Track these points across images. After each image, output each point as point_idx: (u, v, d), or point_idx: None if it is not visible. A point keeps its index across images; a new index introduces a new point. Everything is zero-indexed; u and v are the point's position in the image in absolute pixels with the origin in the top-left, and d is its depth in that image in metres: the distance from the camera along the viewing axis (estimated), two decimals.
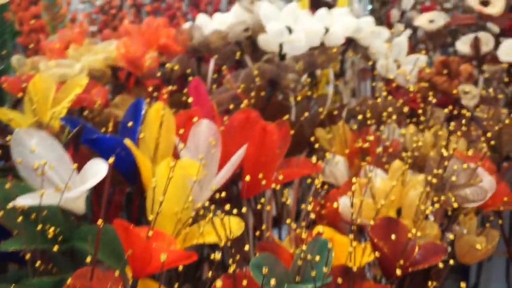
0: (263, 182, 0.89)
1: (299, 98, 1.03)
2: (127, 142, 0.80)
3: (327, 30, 1.03)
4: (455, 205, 0.73)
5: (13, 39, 2.03)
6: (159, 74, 1.06)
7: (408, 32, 1.35)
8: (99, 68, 1.14)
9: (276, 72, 0.95)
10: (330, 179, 0.95)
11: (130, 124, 0.86)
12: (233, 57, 1.11)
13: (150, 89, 1.11)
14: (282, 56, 1.01)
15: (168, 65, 1.11)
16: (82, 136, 0.81)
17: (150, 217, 0.68)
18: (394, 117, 1.00)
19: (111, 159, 0.64)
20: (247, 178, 0.89)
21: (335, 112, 1.02)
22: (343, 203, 0.80)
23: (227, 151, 0.91)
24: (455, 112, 0.99)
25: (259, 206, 0.85)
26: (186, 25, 1.19)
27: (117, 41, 1.14)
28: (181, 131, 0.89)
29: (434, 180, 0.72)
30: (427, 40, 1.42)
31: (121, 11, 1.97)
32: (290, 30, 0.99)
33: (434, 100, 0.97)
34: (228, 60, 1.15)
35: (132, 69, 1.10)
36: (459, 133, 0.89)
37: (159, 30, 1.17)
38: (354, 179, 0.80)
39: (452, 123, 0.92)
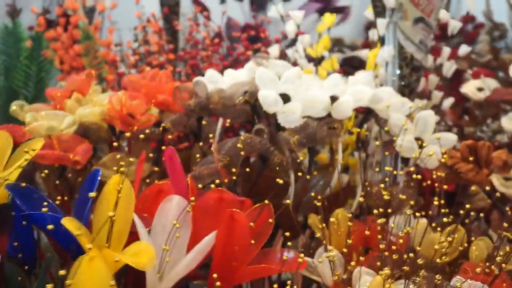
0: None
1: (300, 174, 0.89)
2: (64, 222, 0.69)
3: (335, 100, 0.89)
4: None
5: (51, 77, 2.01)
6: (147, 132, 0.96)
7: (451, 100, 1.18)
8: (93, 122, 1.05)
9: (265, 145, 0.82)
10: (314, 276, 0.80)
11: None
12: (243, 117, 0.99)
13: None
14: (280, 127, 0.88)
15: (163, 124, 1.00)
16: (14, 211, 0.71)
17: None
18: (407, 208, 0.84)
19: None
20: (214, 275, 0.77)
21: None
22: None
23: (199, 235, 0.79)
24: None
25: None
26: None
27: (112, 94, 1.05)
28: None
29: None
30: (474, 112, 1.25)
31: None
32: (287, 99, 0.86)
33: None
34: (238, 119, 1.03)
35: (122, 126, 1.00)
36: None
37: (161, 84, 1.07)
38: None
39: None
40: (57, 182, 1.00)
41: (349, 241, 0.81)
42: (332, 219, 0.82)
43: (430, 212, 0.83)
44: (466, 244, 0.80)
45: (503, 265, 0.73)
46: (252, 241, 0.77)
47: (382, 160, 1.06)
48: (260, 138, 0.82)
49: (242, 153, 0.82)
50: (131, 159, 1.05)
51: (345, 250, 0.82)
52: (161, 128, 0.98)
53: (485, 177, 0.85)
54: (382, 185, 0.82)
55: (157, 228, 0.79)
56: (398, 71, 1.05)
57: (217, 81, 1.07)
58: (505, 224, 0.78)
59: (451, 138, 0.94)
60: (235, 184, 0.85)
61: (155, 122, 1.04)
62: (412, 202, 0.84)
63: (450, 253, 0.78)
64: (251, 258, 0.78)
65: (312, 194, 0.80)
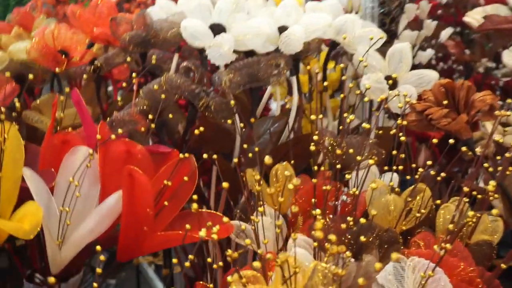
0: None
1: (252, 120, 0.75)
2: None
3: (283, 31, 0.73)
4: None
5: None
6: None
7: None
8: (24, 61, 0.91)
9: (189, 87, 0.67)
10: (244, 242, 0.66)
11: None
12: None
13: None
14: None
15: (96, 62, 0.86)
16: None
17: None
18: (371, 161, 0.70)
19: None
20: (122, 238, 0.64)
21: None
22: None
23: (109, 194, 0.66)
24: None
25: None
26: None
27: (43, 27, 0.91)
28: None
29: None
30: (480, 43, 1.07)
31: None
32: (219, 30, 0.70)
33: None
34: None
35: (51, 64, 0.86)
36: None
37: (100, 16, 0.93)
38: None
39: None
40: None
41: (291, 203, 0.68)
42: (272, 174, 0.68)
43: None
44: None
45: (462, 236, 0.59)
46: (166, 203, 0.64)
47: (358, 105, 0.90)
48: (184, 78, 0.67)
49: (163, 96, 0.67)
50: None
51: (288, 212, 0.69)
52: (92, 67, 0.84)
53: (463, 125, 0.68)
54: (331, 136, 0.67)
55: (61, 186, 0.67)
56: None
57: (170, 11, 0.92)
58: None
59: (431, 76, 0.77)
60: (160, 133, 0.71)
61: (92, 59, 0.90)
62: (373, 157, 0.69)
63: (409, 220, 0.63)
64: (166, 222, 0.65)
65: (256, 148, 0.65)
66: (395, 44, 0.78)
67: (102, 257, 0.52)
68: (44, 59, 0.87)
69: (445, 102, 0.68)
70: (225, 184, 0.64)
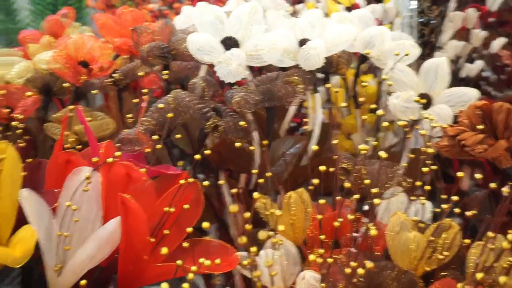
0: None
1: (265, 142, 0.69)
2: None
3: (303, 44, 0.67)
4: None
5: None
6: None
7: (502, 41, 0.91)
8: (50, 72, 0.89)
9: (194, 106, 0.62)
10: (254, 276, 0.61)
11: None
12: None
13: None
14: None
15: (114, 74, 0.83)
16: None
17: None
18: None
19: None
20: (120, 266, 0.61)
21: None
22: None
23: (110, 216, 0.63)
24: None
25: None
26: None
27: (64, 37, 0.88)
28: None
29: None
30: None
31: None
32: (232, 44, 0.65)
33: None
34: None
35: (67, 76, 0.84)
36: None
37: (124, 26, 0.89)
38: None
39: None
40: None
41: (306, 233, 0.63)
42: (285, 202, 0.62)
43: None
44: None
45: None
46: (166, 231, 0.59)
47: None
48: (193, 96, 0.63)
49: (170, 115, 0.63)
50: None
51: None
52: (110, 80, 0.81)
53: (502, 152, 0.61)
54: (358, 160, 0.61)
55: (62, 208, 0.63)
56: (413, 3, 0.80)
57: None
58: None
59: (470, 94, 0.69)
60: (170, 153, 0.67)
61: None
62: (403, 183, 0.62)
63: (432, 261, 0.56)
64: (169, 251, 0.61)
65: (267, 174, 0.60)
66: (430, 59, 0.71)
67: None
68: (64, 70, 0.84)
69: (480, 126, 0.61)
70: (232, 208, 0.59)
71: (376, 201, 0.62)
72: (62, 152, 0.65)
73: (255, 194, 0.61)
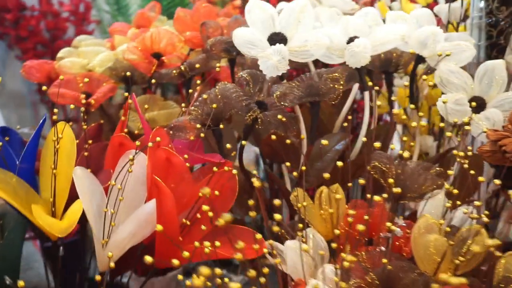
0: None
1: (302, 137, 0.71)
2: None
3: (351, 42, 0.67)
4: None
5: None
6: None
7: None
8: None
9: (239, 98, 0.65)
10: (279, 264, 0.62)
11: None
12: None
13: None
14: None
15: (181, 66, 0.87)
16: None
17: None
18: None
19: None
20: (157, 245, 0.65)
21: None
22: None
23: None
24: None
25: None
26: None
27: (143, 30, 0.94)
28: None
29: None
30: None
31: None
32: (279, 40, 0.66)
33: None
34: None
35: (140, 66, 0.89)
36: None
37: (198, 20, 0.94)
38: None
39: None
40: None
41: (337, 229, 0.63)
42: (316, 197, 0.63)
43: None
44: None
45: None
46: (198, 215, 0.62)
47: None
48: (237, 89, 0.65)
49: (214, 106, 0.66)
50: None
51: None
52: (176, 71, 0.85)
53: None
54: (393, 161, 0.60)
55: (114, 187, 0.69)
56: (482, 4, 0.77)
57: None
58: None
59: None
60: (219, 143, 0.70)
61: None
62: (433, 186, 0.61)
63: (460, 266, 0.55)
64: (202, 234, 0.64)
65: (303, 168, 0.61)
66: (487, 61, 0.68)
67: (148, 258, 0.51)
68: (138, 60, 0.90)
69: None
70: (277, 202, 0.61)
71: (410, 202, 0.62)
72: (116, 136, 0.70)
73: (297, 189, 0.63)
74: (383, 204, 0.63)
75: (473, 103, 0.67)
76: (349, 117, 0.69)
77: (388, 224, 0.57)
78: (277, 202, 0.58)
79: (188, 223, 0.63)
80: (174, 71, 0.86)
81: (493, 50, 0.78)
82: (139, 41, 0.92)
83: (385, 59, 0.75)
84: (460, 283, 0.54)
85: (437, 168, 0.63)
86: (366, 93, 0.71)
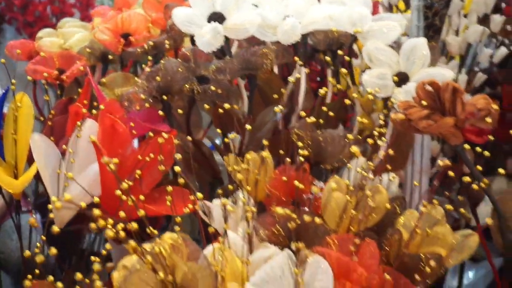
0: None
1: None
2: None
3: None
4: None
5: None
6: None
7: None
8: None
9: (176, 73, 0.72)
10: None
11: None
12: None
13: None
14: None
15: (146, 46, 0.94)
16: None
17: None
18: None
19: None
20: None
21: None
22: None
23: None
24: None
25: None
26: None
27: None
28: None
29: None
30: None
31: None
32: (217, 19, 0.72)
33: None
34: None
35: (108, 45, 0.97)
36: None
37: (164, 1, 1.00)
38: None
39: None
40: None
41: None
42: (245, 161, 0.70)
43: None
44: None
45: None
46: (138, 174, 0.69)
47: None
48: (180, 63, 0.72)
49: (158, 78, 0.73)
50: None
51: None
52: (140, 49, 0.92)
53: (449, 129, 0.63)
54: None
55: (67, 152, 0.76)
56: None
57: None
58: None
59: (445, 75, 0.72)
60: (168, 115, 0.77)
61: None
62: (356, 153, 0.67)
63: (362, 222, 0.61)
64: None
65: (231, 136, 0.68)
66: (411, 39, 0.74)
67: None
68: (108, 40, 0.97)
69: (424, 103, 0.64)
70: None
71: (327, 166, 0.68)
72: (72, 106, 0.78)
73: (230, 155, 0.70)
74: (307, 169, 0.70)
75: (396, 78, 0.73)
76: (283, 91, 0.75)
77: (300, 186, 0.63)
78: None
79: (129, 184, 0.70)
80: (139, 49, 0.92)
81: (430, 30, 0.83)
82: (110, 22, 0.99)
83: (327, 38, 0.81)
84: (354, 232, 0.60)
85: (358, 136, 0.69)
86: (303, 69, 0.77)
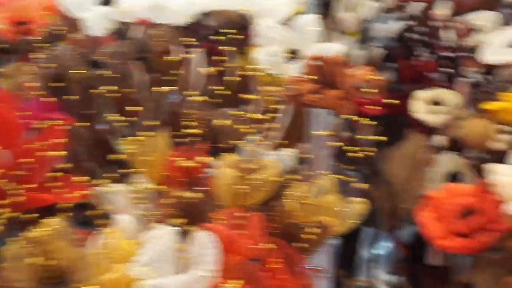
0: None
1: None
2: None
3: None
4: None
5: None
6: None
7: None
8: None
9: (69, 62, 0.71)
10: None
11: None
12: None
13: None
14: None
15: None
16: None
17: None
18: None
19: None
20: None
21: None
22: None
23: None
24: None
25: None
26: None
27: None
28: None
29: None
30: None
31: None
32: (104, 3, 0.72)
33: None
34: None
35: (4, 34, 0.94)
36: None
37: None
38: None
39: None
40: None
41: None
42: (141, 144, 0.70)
43: None
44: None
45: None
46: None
47: None
48: (75, 48, 0.71)
49: (54, 65, 0.72)
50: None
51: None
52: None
53: (337, 102, 0.65)
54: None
55: None
56: None
57: None
58: None
59: (334, 49, 0.73)
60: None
61: None
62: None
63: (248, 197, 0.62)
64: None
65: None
66: (302, 15, 0.75)
67: None
68: (4, 29, 0.94)
69: (313, 77, 0.65)
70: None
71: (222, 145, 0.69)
72: None
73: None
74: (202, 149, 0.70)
75: (290, 55, 0.74)
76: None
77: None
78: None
79: (22, 173, 0.69)
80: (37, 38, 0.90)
81: (324, 7, 0.85)
82: (5, 11, 0.96)
83: (223, 18, 0.82)
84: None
85: (254, 114, 0.70)
86: (196, 52, 0.78)
